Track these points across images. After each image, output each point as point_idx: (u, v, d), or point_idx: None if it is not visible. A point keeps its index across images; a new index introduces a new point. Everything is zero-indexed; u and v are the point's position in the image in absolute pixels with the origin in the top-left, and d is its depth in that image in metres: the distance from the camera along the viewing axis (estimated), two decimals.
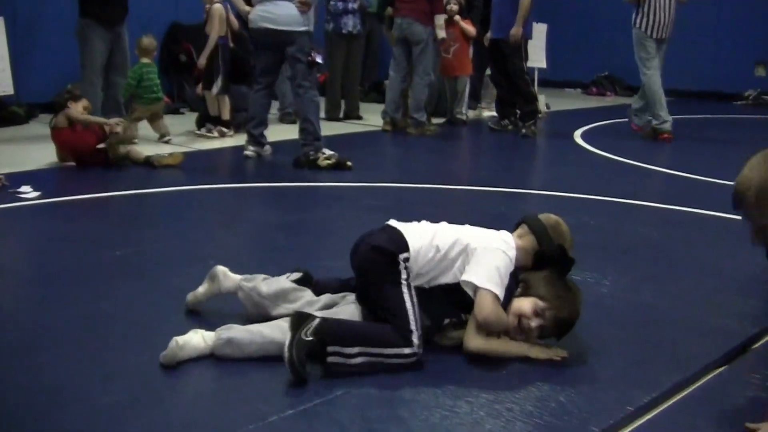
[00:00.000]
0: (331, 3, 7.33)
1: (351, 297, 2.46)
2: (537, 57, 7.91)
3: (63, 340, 2.41)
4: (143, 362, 2.25)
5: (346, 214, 4.05)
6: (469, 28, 7.35)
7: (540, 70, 8.27)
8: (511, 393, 2.11)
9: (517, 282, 2.38)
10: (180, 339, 2.24)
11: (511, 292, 2.35)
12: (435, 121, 7.38)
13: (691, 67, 10.08)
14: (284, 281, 2.52)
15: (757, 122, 8.45)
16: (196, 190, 4.62)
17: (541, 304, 2.29)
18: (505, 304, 2.33)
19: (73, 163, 5.13)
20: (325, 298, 2.48)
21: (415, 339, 2.20)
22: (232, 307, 2.57)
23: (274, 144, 5.79)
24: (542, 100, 8.09)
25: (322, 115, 7.41)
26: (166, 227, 3.91)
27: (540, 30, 7.83)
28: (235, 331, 2.26)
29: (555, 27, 8.29)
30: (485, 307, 2.26)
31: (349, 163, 5.17)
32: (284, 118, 7.29)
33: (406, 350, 2.20)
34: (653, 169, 5.42)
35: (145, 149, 5.46)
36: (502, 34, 6.78)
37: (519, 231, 2.48)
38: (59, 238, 3.59)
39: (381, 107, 7.27)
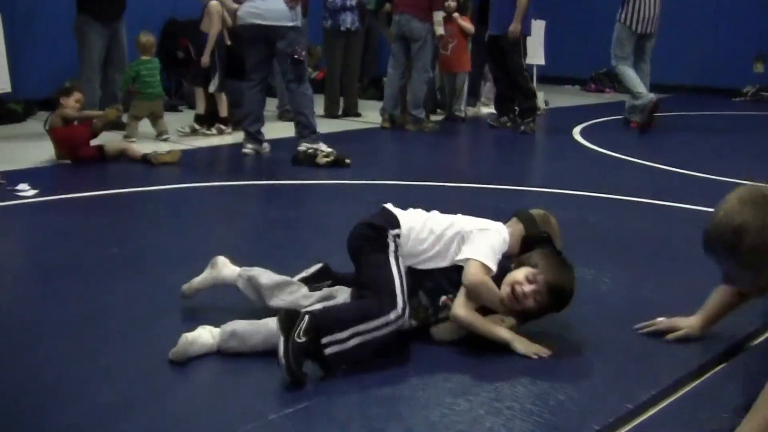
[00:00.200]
0: (329, 0, 7.31)
1: (346, 288, 2.47)
2: (535, 53, 7.89)
3: (61, 337, 2.41)
4: (141, 359, 2.25)
5: (345, 211, 4.03)
6: (467, 25, 7.34)
7: (538, 66, 8.25)
8: (510, 391, 2.11)
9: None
10: (189, 335, 2.24)
11: (505, 273, 2.36)
12: (433, 117, 7.37)
13: (689, 63, 10.07)
14: (279, 276, 2.53)
15: (756, 118, 8.44)
16: (194, 187, 4.61)
17: (533, 270, 2.30)
18: (499, 284, 2.34)
19: (70, 161, 5.12)
20: (321, 292, 2.49)
21: (399, 302, 2.21)
22: (230, 302, 2.57)
23: (272, 141, 5.78)
24: (541, 97, 8.07)
25: (321, 112, 7.42)
26: (165, 224, 3.91)
27: (538, 26, 7.80)
28: (239, 324, 2.29)
29: (553, 23, 8.27)
30: (471, 274, 2.30)
31: (347, 160, 5.16)
32: (283, 116, 7.26)
33: (392, 315, 2.20)
34: (652, 166, 5.41)
35: (143, 147, 5.45)
36: (501, 31, 6.76)
37: (509, 222, 2.56)
38: (57, 236, 3.58)
39: (379, 104, 7.25)
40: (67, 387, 2.08)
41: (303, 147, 5.24)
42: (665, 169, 5.28)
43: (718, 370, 2.30)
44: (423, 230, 2.41)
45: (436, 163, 5.88)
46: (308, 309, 2.24)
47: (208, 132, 6.37)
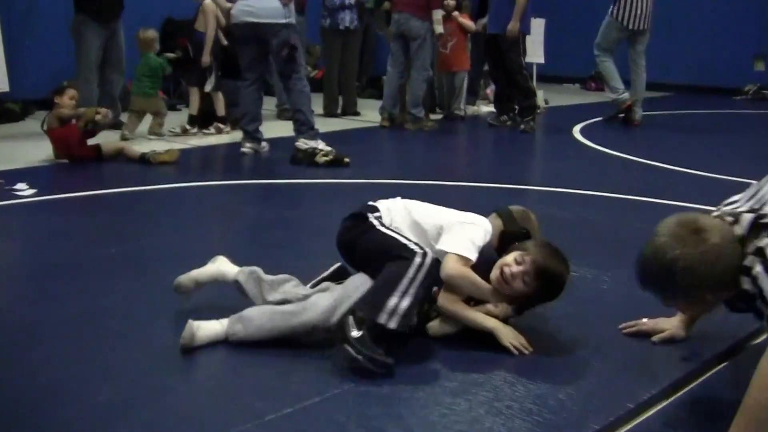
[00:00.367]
0: None
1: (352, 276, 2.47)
2: (535, 52, 7.88)
3: (59, 337, 2.40)
4: (140, 359, 2.24)
5: (344, 211, 4.01)
6: (468, 23, 7.31)
7: (538, 65, 8.25)
8: (510, 390, 2.10)
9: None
10: (196, 322, 2.28)
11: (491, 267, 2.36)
12: (432, 116, 7.35)
13: (689, 62, 10.06)
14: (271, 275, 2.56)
15: (756, 117, 8.43)
16: (192, 187, 4.60)
17: (522, 252, 2.31)
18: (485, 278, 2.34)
19: (68, 161, 5.11)
20: (321, 286, 2.50)
21: (414, 247, 2.26)
22: (229, 303, 2.55)
23: (270, 140, 5.77)
24: (541, 96, 8.06)
25: (320, 111, 7.41)
26: (163, 224, 3.90)
27: (538, 25, 7.79)
28: (246, 310, 2.34)
29: (553, 22, 8.25)
30: (447, 267, 2.31)
31: (346, 159, 5.15)
32: (281, 115, 7.26)
33: (417, 259, 2.22)
34: (653, 165, 5.40)
35: (140, 146, 5.44)
36: (500, 29, 6.75)
37: (489, 218, 2.54)
38: (55, 235, 3.58)
39: (378, 103, 7.24)
40: (66, 387, 2.08)
41: (301, 143, 5.23)
42: (666, 168, 5.27)
43: (718, 370, 2.29)
44: (406, 218, 2.46)
45: (435, 162, 5.87)
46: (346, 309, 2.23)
47: (207, 131, 6.36)
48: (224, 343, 2.37)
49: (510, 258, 2.31)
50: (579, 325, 2.52)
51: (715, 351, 2.36)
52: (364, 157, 5.48)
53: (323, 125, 6.41)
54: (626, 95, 7.10)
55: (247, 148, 5.55)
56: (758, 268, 1.79)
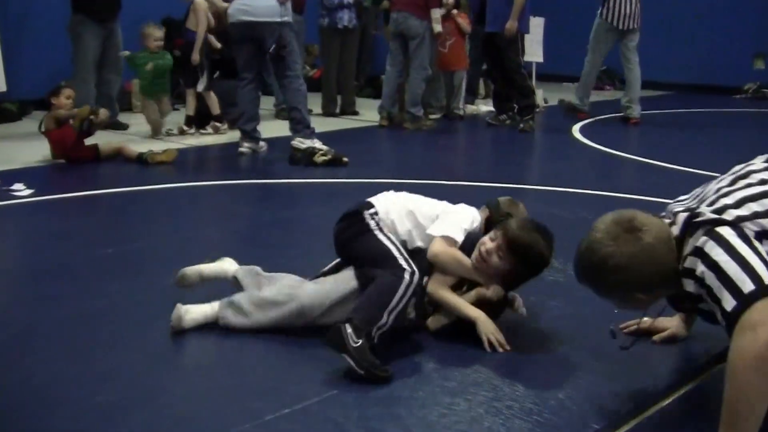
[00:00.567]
0: None
1: (339, 275, 2.49)
2: (534, 51, 7.87)
3: (55, 338, 2.39)
4: (136, 360, 2.23)
5: (342, 211, 4.01)
6: (464, 23, 7.30)
7: (537, 64, 8.23)
8: (510, 390, 2.09)
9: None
10: (184, 306, 2.36)
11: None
12: (431, 115, 7.34)
13: (688, 61, 10.05)
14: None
15: (756, 116, 8.41)
16: (189, 187, 4.58)
17: (496, 230, 2.38)
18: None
19: (66, 161, 5.09)
20: (315, 279, 2.53)
21: (403, 263, 2.28)
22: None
23: (269, 140, 5.75)
24: (540, 95, 8.05)
25: (318, 110, 7.39)
26: (160, 225, 3.88)
27: (537, 24, 7.78)
28: (236, 295, 2.43)
29: (552, 20, 8.24)
30: (433, 246, 2.40)
31: (345, 159, 5.13)
32: (280, 114, 7.24)
33: (406, 277, 2.26)
34: (653, 164, 5.39)
35: (138, 146, 5.42)
36: (498, 28, 6.73)
37: (480, 209, 2.65)
38: (52, 236, 3.56)
39: (377, 102, 7.23)
40: (63, 388, 2.07)
41: (297, 143, 5.22)
42: (665, 167, 5.25)
43: (718, 370, 2.28)
44: (402, 209, 2.50)
45: (434, 161, 5.85)
46: (342, 318, 2.21)
47: (204, 131, 6.35)
48: (223, 342, 2.36)
49: (486, 237, 2.39)
50: (579, 325, 2.51)
51: (715, 351, 2.34)
52: (362, 157, 5.47)
53: (321, 125, 6.40)
54: (586, 108, 7.38)
55: (245, 147, 5.53)
56: (701, 268, 1.78)
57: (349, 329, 2.11)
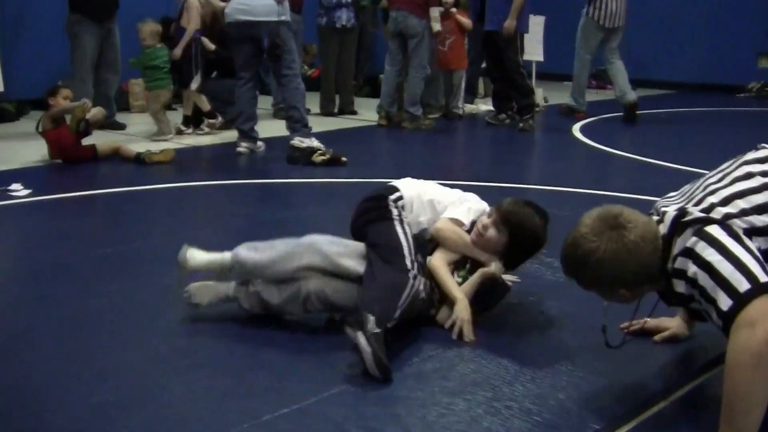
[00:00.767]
0: None
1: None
2: (534, 50, 7.85)
3: (52, 338, 2.38)
4: (133, 361, 2.23)
5: (341, 210, 3.99)
6: (465, 20, 7.28)
7: (537, 63, 8.21)
8: (509, 390, 2.08)
9: None
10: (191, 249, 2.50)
11: None
12: (430, 115, 7.33)
13: (692, 59, 10.04)
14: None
15: (760, 114, 8.39)
16: (187, 186, 4.57)
17: (492, 208, 2.57)
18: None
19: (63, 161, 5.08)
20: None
21: (408, 263, 2.37)
22: (228, 306, 2.53)
23: (267, 140, 5.74)
24: (540, 94, 8.03)
25: (317, 110, 7.38)
26: (157, 225, 3.87)
27: (537, 22, 7.76)
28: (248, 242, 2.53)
29: (552, 19, 8.23)
30: (438, 223, 2.56)
31: (343, 159, 5.12)
32: (278, 114, 7.22)
33: (410, 276, 2.34)
34: (654, 163, 5.38)
35: (136, 146, 5.41)
36: (497, 27, 6.72)
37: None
38: (50, 236, 3.56)
39: (375, 102, 7.22)
40: (61, 388, 2.06)
41: (296, 142, 5.20)
42: (668, 167, 5.24)
43: (718, 370, 2.26)
44: (423, 199, 2.61)
45: (433, 161, 5.84)
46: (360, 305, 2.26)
47: (199, 131, 6.32)
48: (222, 343, 2.35)
49: (483, 216, 2.58)
50: (579, 325, 2.50)
51: (715, 351, 2.33)
52: (361, 157, 5.46)
53: (320, 124, 6.39)
54: (583, 108, 7.40)
55: (243, 147, 5.52)
56: (693, 269, 1.77)
57: (372, 318, 2.14)
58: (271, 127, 6.29)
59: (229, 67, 6.02)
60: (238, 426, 1.87)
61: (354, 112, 7.66)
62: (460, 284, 2.51)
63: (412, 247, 2.43)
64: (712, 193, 1.87)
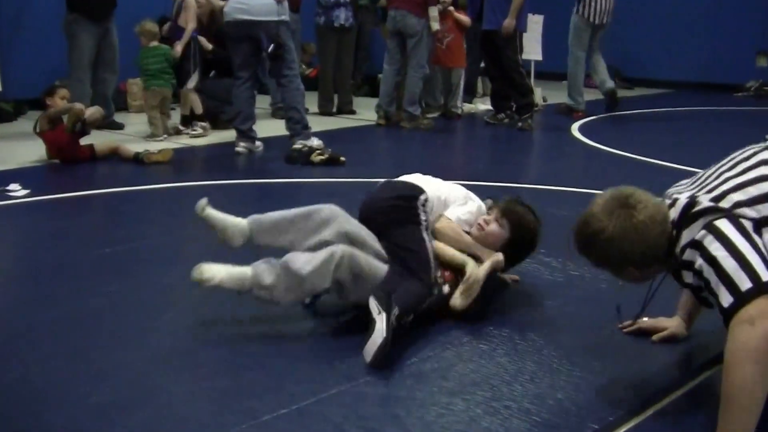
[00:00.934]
0: None
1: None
2: (533, 49, 7.85)
3: (51, 338, 2.38)
4: (133, 361, 2.22)
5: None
6: (463, 18, 7.28)
7: (536, 62, 8.21)
8: (508, 390, 2.07)
9: None
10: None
11: None
12: (429, 114, 7.32)
13: (690, 58, 10.03)
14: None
15: (759, 113, 8.39)
16: (185, 186, 4.56)
17: (491, 206, 2.77)
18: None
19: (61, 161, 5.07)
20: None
21: (432, 281, 2.48)
22: (229, 308, 2.53)
23: (265, 139, 5.74)
24: (539, 93, 8.03)
25: (315, 109, 7.37)
26: (156, 224, 3.86)
27: (536, 21, 7.76)
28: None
29: (551, 18, 8.22)
30: (439, 221, 2.67)
31: (342, 158, 5.12)
32: (276, 113, 7.21)
33: (433, 292, 2.48)
34: (653, 162, 5.38)
35: (134, 146, 5.40)
36: (495, 26, 6.72)
37: None
38: (48, 236, 3.55)
39: (374, 101, 7.21)
40: (59, 388, 2.06)
41: (297, 146, 5.20)
42: (667, 166, 5.24)
43: (717, 369, 2.26)
44: (440, 198, 2.71)
45: (432, 160, 5.83)
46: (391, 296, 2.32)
47: (194, 131, 6.31)
48: (222, 343, 2.35)
49: (482, 215, 2.73)
50: (578, 324, 2.50)
51: (714, 350, 2.33)
52: (359, 156, 5.45)
53: (318, 124, 6.39)
54: (582, 106, 7.50)
55: (242, 147, 5.51)
56: (699, 261, 1.81)
57: (396, 308, 2.22)
58: (270, 127, 6.29)
59: (227, 67, 6.02)
60: (237, 426, 1.87)
61: (352, 112, 7.66)
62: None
63: (432, 259, 2.51)
64: (726, 181, 1.90)
